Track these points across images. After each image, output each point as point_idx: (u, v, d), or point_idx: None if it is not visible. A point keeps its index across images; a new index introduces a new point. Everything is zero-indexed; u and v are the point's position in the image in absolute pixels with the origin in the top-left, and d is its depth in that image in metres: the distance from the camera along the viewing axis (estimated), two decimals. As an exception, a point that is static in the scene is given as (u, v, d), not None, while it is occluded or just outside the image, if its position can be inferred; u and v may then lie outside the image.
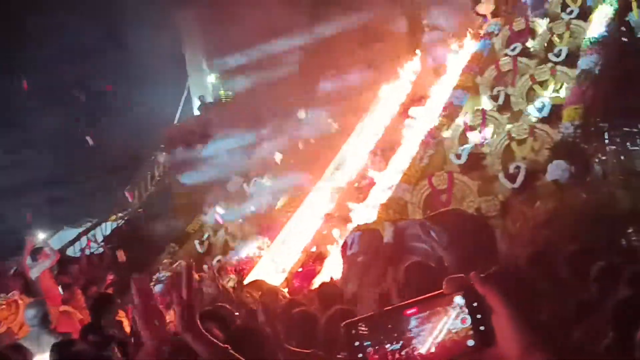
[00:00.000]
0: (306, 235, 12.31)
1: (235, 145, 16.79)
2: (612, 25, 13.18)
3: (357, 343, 1.03)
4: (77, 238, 17.53)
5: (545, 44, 14.24)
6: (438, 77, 15.41)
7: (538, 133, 11.31)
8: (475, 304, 1.01)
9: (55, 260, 7.61)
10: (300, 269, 11.27)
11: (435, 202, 10.84)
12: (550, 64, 13.13)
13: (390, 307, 1.04)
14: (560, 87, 12.67)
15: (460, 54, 15.74)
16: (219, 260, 12.79)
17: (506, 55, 14.35)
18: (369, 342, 1.02)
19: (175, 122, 22.93)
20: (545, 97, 12.45)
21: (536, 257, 4.04)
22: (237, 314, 3.88)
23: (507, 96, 13.14)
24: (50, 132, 20.80)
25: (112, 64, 21.99)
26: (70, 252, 15.83)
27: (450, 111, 13.35)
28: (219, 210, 14.98)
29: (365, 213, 11.56)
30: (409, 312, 1.02)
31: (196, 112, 22.74)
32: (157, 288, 7.89)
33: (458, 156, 12.05)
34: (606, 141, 10.15)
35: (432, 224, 4.09)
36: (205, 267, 11.65)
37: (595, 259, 3.35)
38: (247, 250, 12.66)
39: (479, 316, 1.00)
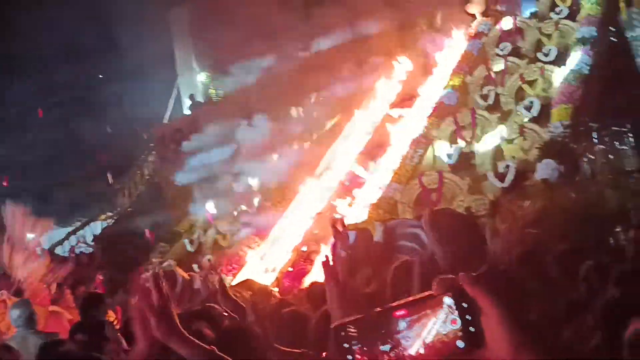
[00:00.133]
0: (297, 235, 12.30)
1: (226, 143, 16.73)
2: (601, 25, 13.26)
3: (346, 345, 1.02)
4: (66, 237, 17.44)
5: (535, 44, 14.30)
6: (428, 77, 15.44)
7: (527, 132, 11.36)
8: (465, 305, 1.01)
9: (46, 262, 7.56)
10: (290, 269, 11.25)
11: (426, 201, 10.87)
12: (539, 64, 13.19)
13: (379, 309, 1.03)
14: (550, 86, 12.73)
15: (450, 53, 15.78)
16: (209, 259, 12.76)
17: (496, 55, 14.41)
18: (358, 344, 1.02)
19: (165, 121, 22.82)
20: (535, 96, 12.50)
21: (525, 256, 4.04)
22: (225, 314, 3.86)
23: (497, 96, 13.18)
24: (39, 131, 20.70)
25: (101, 62, 21.87)
26: (59, 251, 15.75)
27: (441, 110, 13.38)
28: (209, 207, 14.95)
29: (355, 212, 11.56)
30: (398, 313, 1.02)
31: (186, 111, 22.65)
32: None
33: (448, 155, 12.08)
34: (595, 140, 10.21)
35: (421, 224, 4.09)
36: (195, 266, 11.67)
37: (584, 258, 3.37)
38: (237, 249, 12.63)
39: (468, 317, 1.00)
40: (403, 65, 16.30)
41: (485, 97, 13.31)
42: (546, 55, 13.48)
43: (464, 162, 11.93)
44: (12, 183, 18.80)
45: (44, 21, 19.10)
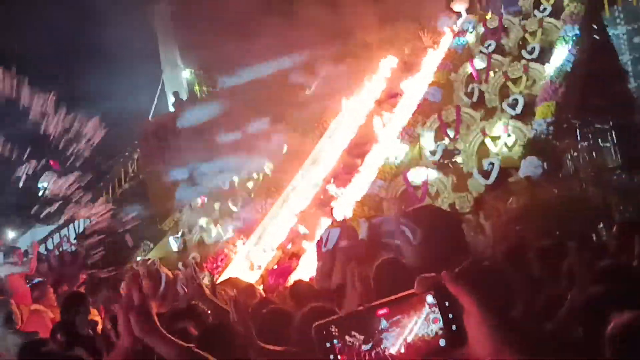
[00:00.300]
0: (282, 233, 12.29)
1: (212, 142, 16.64)
2: (585, 23, 13.35)
3: (328, 344, 1.01)
4: (49, 235, 17.26)
5: (519, 42, 14.37)
6: (412, 74, 15.47)
7: (511, 129, 11.42)
8: (447, 304, 1.00)
9: (31, 268, 7.47)
10: (275, 266, 11.24)
11: (410, 198, 10.91)
12: (523, 61, 13.27)
13: (361, 308, 1.03)
14: (533, 84, 12.80)
15: (435, 50, 15.82)
16: (194, 257, 12.72)
17: (480, 52, 14.46)
18: (340, 343, 1.01)
19: (150, 117, 22.66)
20: (518, 94, 12.57)
21: (508, 252, 4.07)
22: (209, 312, 3.85)
23: (481, 93, 13.23)
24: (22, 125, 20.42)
25: (85, 58, 21.66)
26: (42, 249, 15.58)
27: (425, 108, 13.41)
28: (195, 204, 14.90)
29: (340, 209, 11.56)
30: (380, 312, 1.01)
31: (171, 108, 22.51)
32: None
33: (433, 152, 12.12)
34: (578, 138, 10.29)
35: (406, 221, 4.10)
36: (180, 264, 11.62)
37: (567, 254, 3.39)
38: (222, 246, 12.60)
39: (450, 316, 1.00)
40: (388, 62, 16.32)
41: (469, 95, 13.37)
42: (530, 53, 13.55)
43: (448, 159, 11.98)
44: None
45: (25, 17, 18.89)
